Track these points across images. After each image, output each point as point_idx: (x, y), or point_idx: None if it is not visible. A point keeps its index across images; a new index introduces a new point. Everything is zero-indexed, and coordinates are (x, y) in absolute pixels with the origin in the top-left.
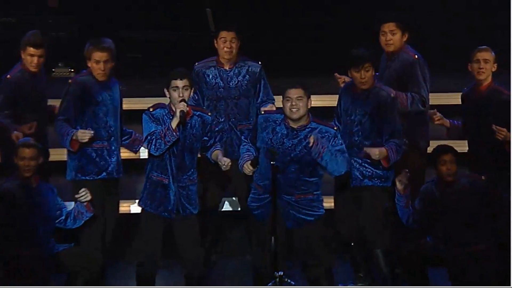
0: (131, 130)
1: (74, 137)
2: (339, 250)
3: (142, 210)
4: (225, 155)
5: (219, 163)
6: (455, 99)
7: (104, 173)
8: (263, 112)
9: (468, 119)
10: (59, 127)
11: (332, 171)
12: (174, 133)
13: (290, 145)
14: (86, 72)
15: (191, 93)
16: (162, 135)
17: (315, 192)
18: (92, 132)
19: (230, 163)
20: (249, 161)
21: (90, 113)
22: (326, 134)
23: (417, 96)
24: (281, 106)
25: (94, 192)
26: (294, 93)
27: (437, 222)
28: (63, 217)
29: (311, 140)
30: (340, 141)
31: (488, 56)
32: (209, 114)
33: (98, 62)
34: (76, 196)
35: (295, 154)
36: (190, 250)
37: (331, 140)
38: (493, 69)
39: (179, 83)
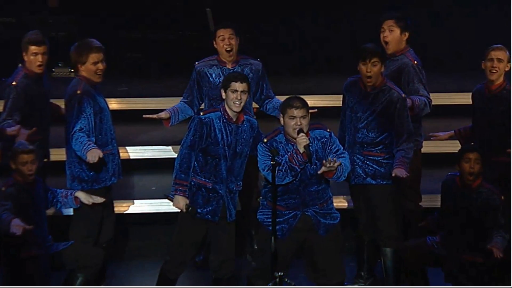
0: None
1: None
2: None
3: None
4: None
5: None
6: (455, 99)
7: (114, 178)
8: (265, 140)
9: (476, 118)
10: (85, 142)
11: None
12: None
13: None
14: (81, 81)
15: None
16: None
17: (329, 195)
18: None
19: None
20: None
21: (98, 121)
22: (324, 138)
23: (426, 100)
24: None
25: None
26: (299, 112)
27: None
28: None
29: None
30: (337, 141)
31: (502, 55)
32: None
33: (96, 63)
34: (91, 200)
35: (311, 168)
36: (226, 253)
37: (332, 143)
38: (507, 69)
39: (238, 86)
